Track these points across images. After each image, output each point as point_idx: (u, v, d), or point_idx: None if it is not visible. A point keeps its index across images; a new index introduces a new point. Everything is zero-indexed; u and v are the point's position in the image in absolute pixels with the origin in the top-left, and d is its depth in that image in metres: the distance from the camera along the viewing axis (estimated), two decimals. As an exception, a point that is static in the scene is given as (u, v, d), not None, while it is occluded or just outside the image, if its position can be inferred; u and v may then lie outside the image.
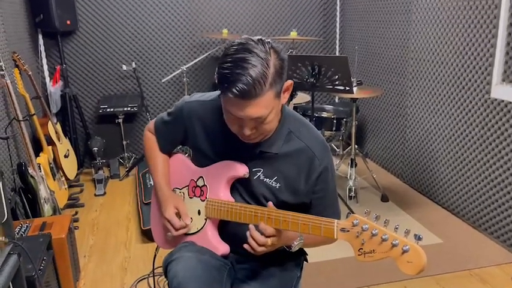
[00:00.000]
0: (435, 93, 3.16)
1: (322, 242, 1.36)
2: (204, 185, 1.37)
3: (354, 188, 3.24)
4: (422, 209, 3.18)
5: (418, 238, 0.97)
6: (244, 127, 1.18)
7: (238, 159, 1.31)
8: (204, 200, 1.36)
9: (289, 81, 1.21)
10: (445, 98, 3.07)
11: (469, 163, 2.88)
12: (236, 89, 1.08)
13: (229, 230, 1.37)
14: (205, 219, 1.36)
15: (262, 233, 1.18)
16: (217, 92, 1.37)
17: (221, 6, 4.19)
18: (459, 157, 2.97)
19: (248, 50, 1.10)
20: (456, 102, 2.95)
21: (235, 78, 1.08)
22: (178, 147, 1.52)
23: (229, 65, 1.10)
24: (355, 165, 3.28)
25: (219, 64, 1.14)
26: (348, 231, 1.06)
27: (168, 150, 1.50)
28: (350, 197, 3.25)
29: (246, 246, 1.21)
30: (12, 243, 1.43)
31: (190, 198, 1.41)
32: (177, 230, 1.37)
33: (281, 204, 1.26)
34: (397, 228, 1.02)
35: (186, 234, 1.40)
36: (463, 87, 2.87)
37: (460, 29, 2.85)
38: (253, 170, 1.31)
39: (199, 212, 1.38)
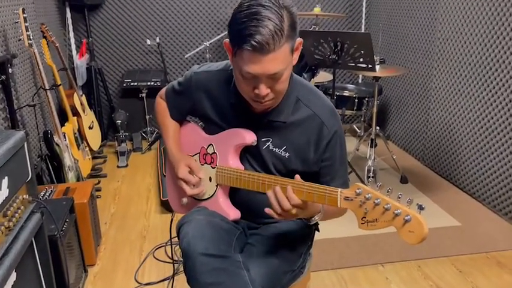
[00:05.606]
0: (460, 75, 3.08)
1: (337, 213, 1.36)
2: (214, 152, 1.39)
3: (372, 168, 3.21)
4: (441, 192, 3.13)
5: (420, 208, 0.96)
6: (259, 86, 1.15)
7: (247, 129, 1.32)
8: (214, 167, 1.38)
9: (300, 39, 1.18)
10: (470, 79, 2.98)
11: (492, 146, 2.81)
12: (254, 41, 1.06)
13: (241, 197, 1.39)
14: (216, 186, 1.39)
15: (288, 200, 1.16)
16: (226, 62, 1.38)
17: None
18: (482, 140, 2.90)
19: (261, 5, 1.08)
20: (482, 84, 2.86)
21: (252, 31, 1.06)
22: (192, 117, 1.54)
23: (244, 19, 1.08)
24: (375, 145, 3.25)
25: (231, 22, 1.12)
26: (352, 200, 1.06)
27: (177, 118, 1.51)
28: (369, 177, 3.23)
29: (267, 210, 1.18)
30: (35, 201, 1.50)
31: (202, 165, 1.43)
32: (193, 185, 1.37)
33: (291, 174, 1.26)
34: (400, 197, 1.01)
35: (199, 200, 1.44)
36: (490, 69, 2.79)
37: (490, 8, 2.75)
38: (263, 139, 1.32)
39: (210, 179, 1.40)
